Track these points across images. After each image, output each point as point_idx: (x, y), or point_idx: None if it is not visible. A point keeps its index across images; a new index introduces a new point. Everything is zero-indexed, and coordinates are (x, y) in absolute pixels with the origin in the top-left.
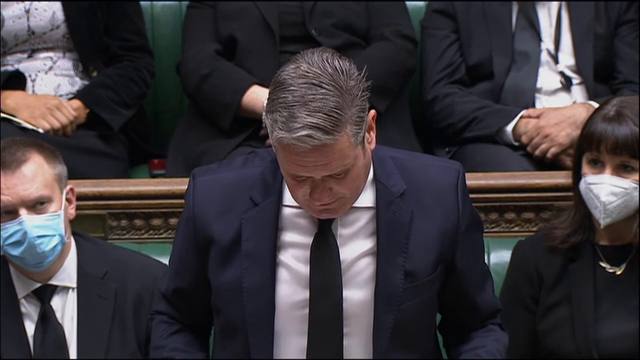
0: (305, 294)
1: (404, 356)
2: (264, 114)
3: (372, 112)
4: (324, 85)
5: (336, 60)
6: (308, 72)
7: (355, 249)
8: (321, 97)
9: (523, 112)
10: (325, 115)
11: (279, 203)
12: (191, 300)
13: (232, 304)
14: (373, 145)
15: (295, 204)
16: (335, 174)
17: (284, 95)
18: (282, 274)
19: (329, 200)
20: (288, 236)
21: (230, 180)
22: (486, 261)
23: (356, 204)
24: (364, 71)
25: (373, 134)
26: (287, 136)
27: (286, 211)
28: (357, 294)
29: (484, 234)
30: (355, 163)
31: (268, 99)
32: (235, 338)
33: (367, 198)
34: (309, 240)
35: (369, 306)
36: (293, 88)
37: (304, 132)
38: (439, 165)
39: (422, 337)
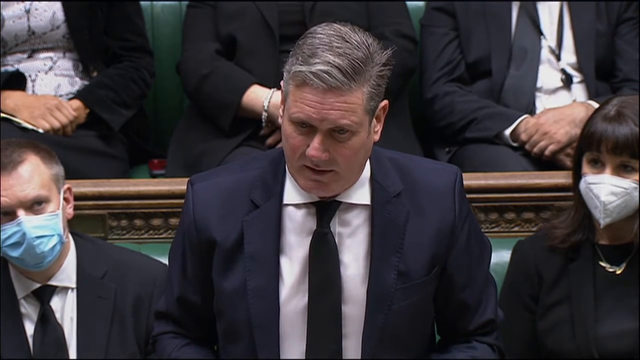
0: (307, 296)
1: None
2: (284, 69)
3: (385, 102)
4: (353, 41)
5: (370, 36)
6: (340, 29)
7: (353, 248)
8: (348, 47)
9: (521, 118)
10: (348, 60)
11: (280, 204)
12: (198, 309)
13: (237, 307)
14: (377, 137)
15: (296, 201)
16: (339, 131)
17: (310, 40)
18: (285, 275)
19: (325, 157)
20: (290, 236)
21: (229, 184)
22: None
23: (353, 201)
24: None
25: (379, 126)
26: (305, 69)
27: (287, 210)
28: (353, 294)
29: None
30: (359, 131)
31: (293, 48)
32: (240, 341)
33: (364, 196)
34: (309, 239)
35: (364, 307)
36: (322, 35)
37: (322, 67)
38: (437, 167)
39: (413, 342)
